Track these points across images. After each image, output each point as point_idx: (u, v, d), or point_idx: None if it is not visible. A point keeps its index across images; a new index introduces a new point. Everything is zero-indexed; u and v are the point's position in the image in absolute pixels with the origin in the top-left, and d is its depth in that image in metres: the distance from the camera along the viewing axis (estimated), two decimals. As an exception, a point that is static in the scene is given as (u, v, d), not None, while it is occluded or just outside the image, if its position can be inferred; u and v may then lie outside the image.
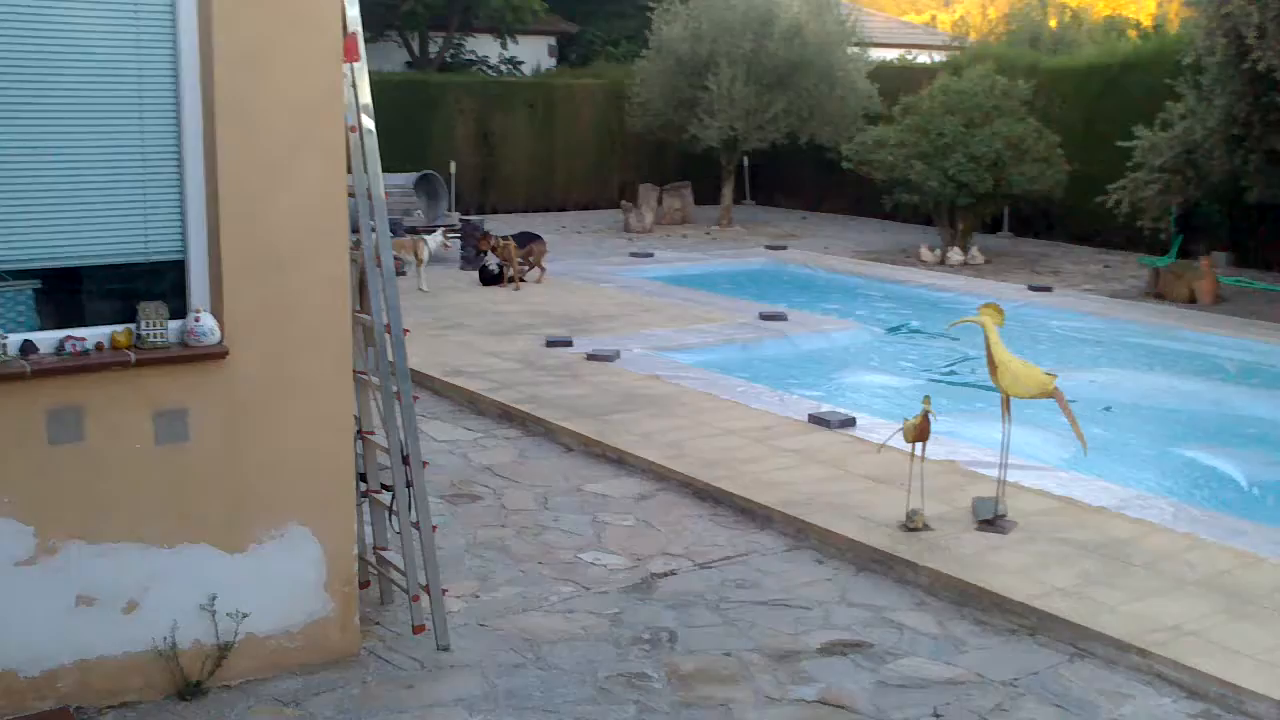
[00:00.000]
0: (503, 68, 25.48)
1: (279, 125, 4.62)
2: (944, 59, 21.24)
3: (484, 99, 22.06)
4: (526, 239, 14.61)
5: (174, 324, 4.62)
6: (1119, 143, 15.05)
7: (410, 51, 24.32)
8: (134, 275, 4.67)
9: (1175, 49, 16.17)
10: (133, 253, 4.62)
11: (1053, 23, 24.53)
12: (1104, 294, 14.53)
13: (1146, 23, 22.02)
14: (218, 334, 4.63)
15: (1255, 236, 16.01)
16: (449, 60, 24.66)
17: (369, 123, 4.87)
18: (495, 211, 21.09)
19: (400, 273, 13.90)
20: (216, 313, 4.65)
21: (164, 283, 4.68)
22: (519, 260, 14.13)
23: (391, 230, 14.41)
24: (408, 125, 20.36)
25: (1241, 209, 15.29)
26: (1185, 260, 14.76)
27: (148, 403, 4.56)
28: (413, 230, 14.90)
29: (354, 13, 4.81)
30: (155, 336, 4.57)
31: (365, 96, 4.88)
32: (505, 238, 14.33)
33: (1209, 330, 12.51)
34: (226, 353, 4.64)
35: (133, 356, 4.49)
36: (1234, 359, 11.77)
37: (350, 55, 4.76)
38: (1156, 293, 14.39)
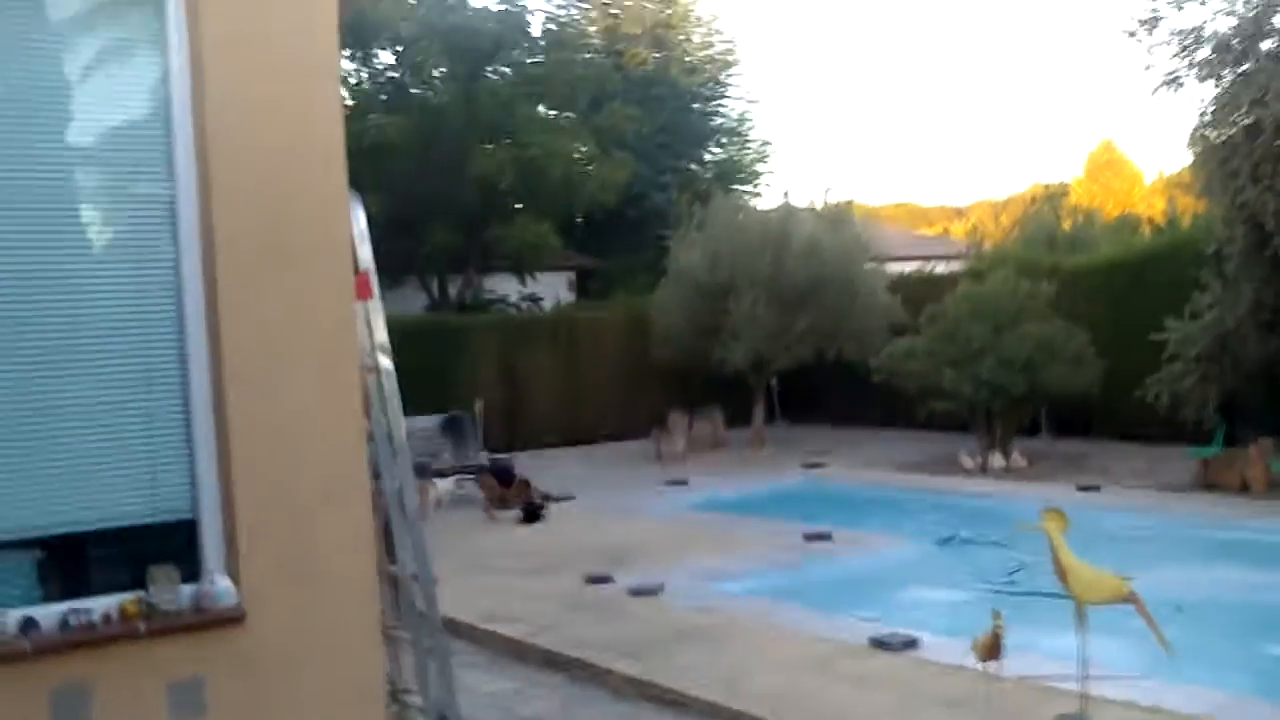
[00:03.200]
0: (523, 305, 25.80)
1: (291, 370, 4.42)
2: (963, 267, 21.33)
3: (506, 336, 22.21)
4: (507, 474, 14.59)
5: (187, 588, 4.32)
6: (1151, 335, 14.84)
7: (430, 295, 24.69)
8: (143, 537, 4.40)
9: (1193, 240, 16.19)
10: (140, 514, 4.36)
11: (1066, 224, 24.84)
12: (1154, 488, 14.07)
13: (1159, 218, 22.24)
14: (234, 596, 4.32)
15: (1300, 419, 15.61)
16: (469, 301, 25.01)
17: (386, 362, 4.69)
18: (525, 448, 20.89)
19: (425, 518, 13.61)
20: (232, 573, 4.36)
21: (175, 544, 4.40)
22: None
23: (416, 473, 14.27)
24: (430, 367, 20.41)
25: (1282, 392, 14.94)
26: (1233, 449, 14.35)
27: (160, 675, 4.23)
28: (439, 473, 14.67)
29: (366, 252, 4.68)
30: (167, 603, 4.27)
31: (381, 335, 4.71)
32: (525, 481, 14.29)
33: (1270, 518, 12.01)
34: (244, 616, 4.33)
35: (142, 627, 4.18)
36: (1302, 547, 11.23)
37: (363, 294, 4.61)
38: (1207, 483, 13.93)
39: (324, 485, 4.49)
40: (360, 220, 4.76)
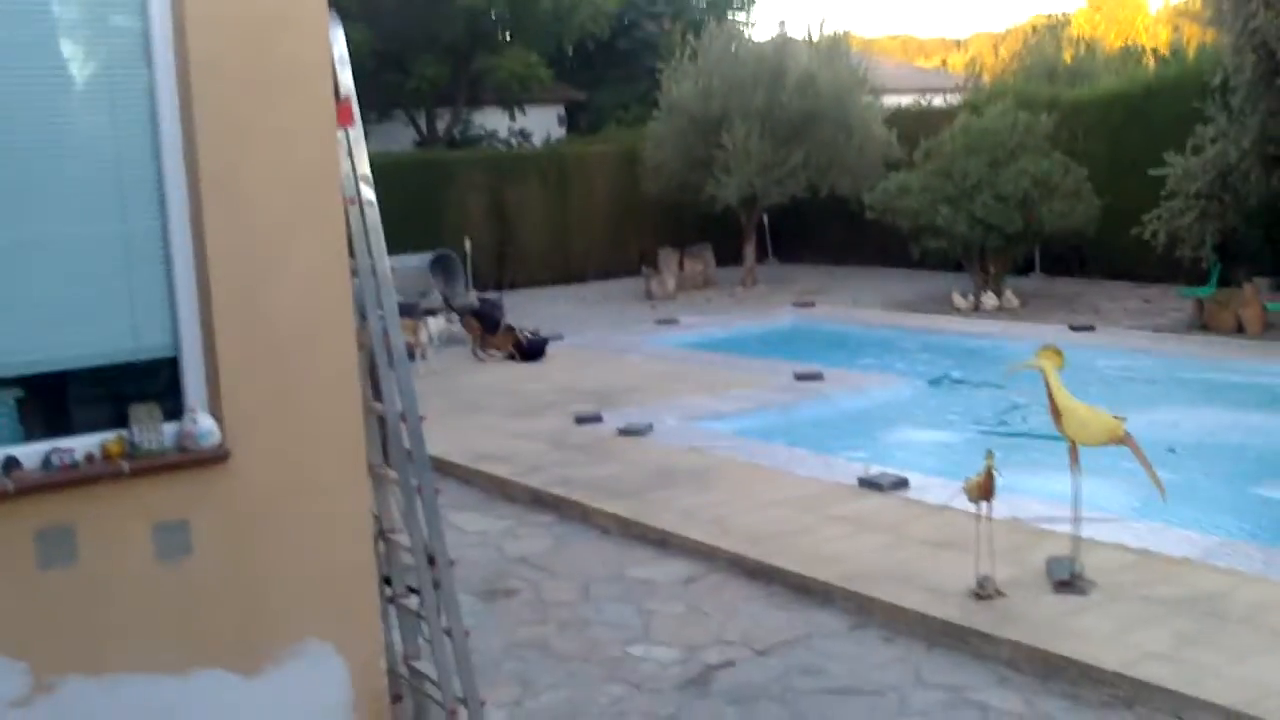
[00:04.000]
0: (512, 140, 25.30)
1: (271, 202, 4.23)
2: (960, 101, 20.85)
3: (495, 173, 21.84)
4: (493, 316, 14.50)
5: (169, 427, 4.20)
6: (1150, 171, 14.60)
7: (418, 130, 24.17)
8: (124, 376, 4.26)
9: (1198, 72, 15.78)
10: (121, 351, 4.21)
11: (1067, 56, 24.20)
12: (1148, 329, 14.03)
13: (1163, 49, 21.65)
14: (217, 435, 4.20)
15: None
16: (458, 137, 24.50)
17: (369, 194, 4.48)
18: (514, 286, 20.76)
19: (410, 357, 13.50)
20: (215, 412, 4.24)
21: (157, 383, 4.26)
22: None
23: (405, 312, 14.15)
24: (420, 204, 20.13)
25: (1281, 231, 14.78)
26: (1228, 289, 14.24)
27: (145, 515, 4.13)
28: (429, 312, 14.53)
29: (346, 77, 4.44)
30: (150, 442, 4.15)
31: (364, 166, 4.49)
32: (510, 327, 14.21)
33: (1265, 359, 11.98)
34: (228, 455, 4.22)
35: (126, 467, 4.07)
36: (1295, 388, 11.24)
37: (344, 121, 4.38)
38: (1202, 324, 13.88)
39: (307, 321, 4.34)
40: (341, 44, 4.50)
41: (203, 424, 4.19)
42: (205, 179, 4.14)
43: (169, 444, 4.18)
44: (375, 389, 4.70)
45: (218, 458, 4.21)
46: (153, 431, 4.15)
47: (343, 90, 4.42)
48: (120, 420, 4.17)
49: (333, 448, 4.43)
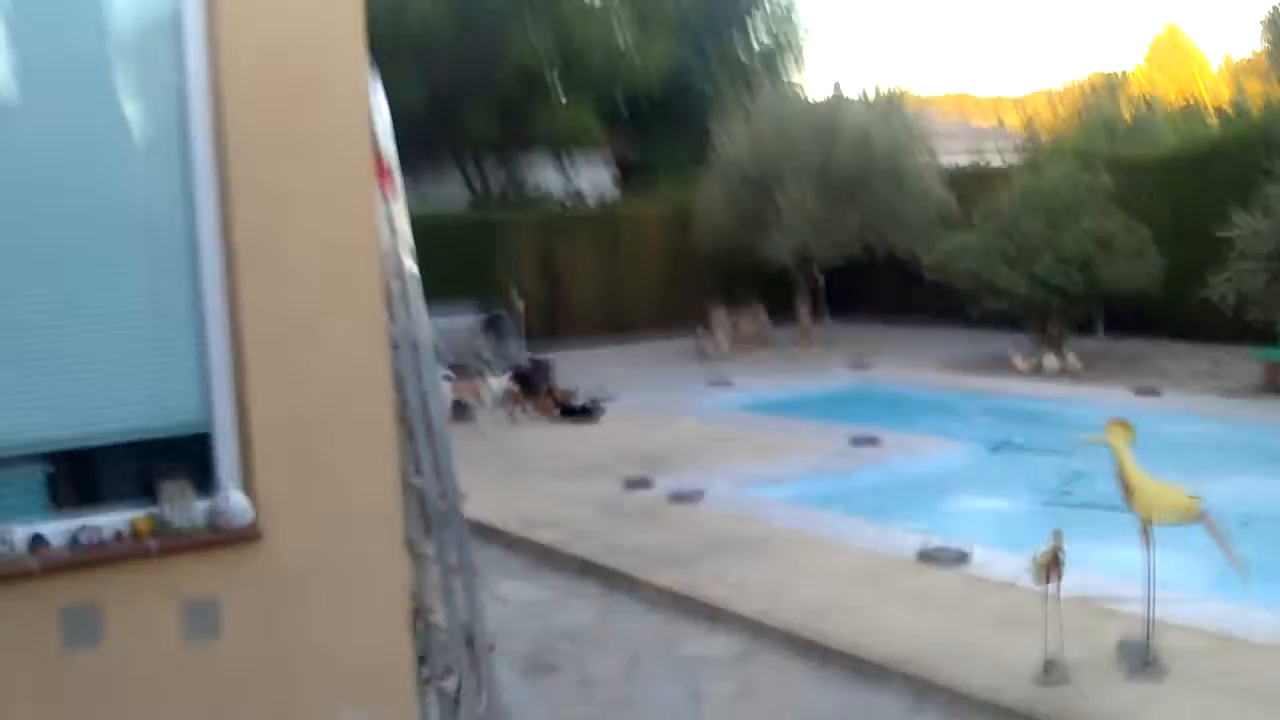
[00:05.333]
0: (566, 202, 25.34)
1: (308, 271, 4.10)
2: (1018, 160, 20.57)
3: (548, 232, 21.83)
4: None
5: (200, 504, 4.07)
6: (1218, 232, 14.25)
7: (471, 188, 24.26)
8: (155, 450, 4.14)
9: (1264, 128, 15.45)
10: (150, 427, 4.09)
11: (1126, 114, 23.88)
12: (1217, 393, 13.60)
13: (1226, 106, 21.30)
14: (250, 513, 4.07)
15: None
16: (511, 197, 24.57)
17: (410, 264, 4.35)
18: (565, 346, 20.64)
19: (470, 418, 13.41)
20: (248, 489, 4.10)
21: (189, 457, 4.14)
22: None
23: (460, 373, 14.00)
24: (473, 263, 20.13)
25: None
26: (1300, 350, 13.83)
27: (174, 595, 4.00)
28: (480, 373, 14.45)
29: (388, 145, 4.32)
30: (180, 520, 4.02)
31: (406, 235, 4.36)
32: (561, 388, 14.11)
33: (1341, 426, 11.57)
34: (260, 534, 4.07)
35: (154, 545, 3.94)
36: (1373, 455, 10.81)
37: (385, 188, 4.26)
38: (1275, 387, 13.44)
39: (344, 394, 4.21)
40: (383, 111, 4.40)
41: (235, 501, 4.06)
42: (240, 247, 4.04)
43: (200, 522, 4.05)
44: (416, 463, 4.54)
45: (250, 536, 4.07)
46: (184, 509, 4.03)
47: (385, 158, 4.30)
48: (150, 493, 4.05)
49: (369, 525, 4.28)
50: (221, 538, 4.05)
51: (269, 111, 4.08)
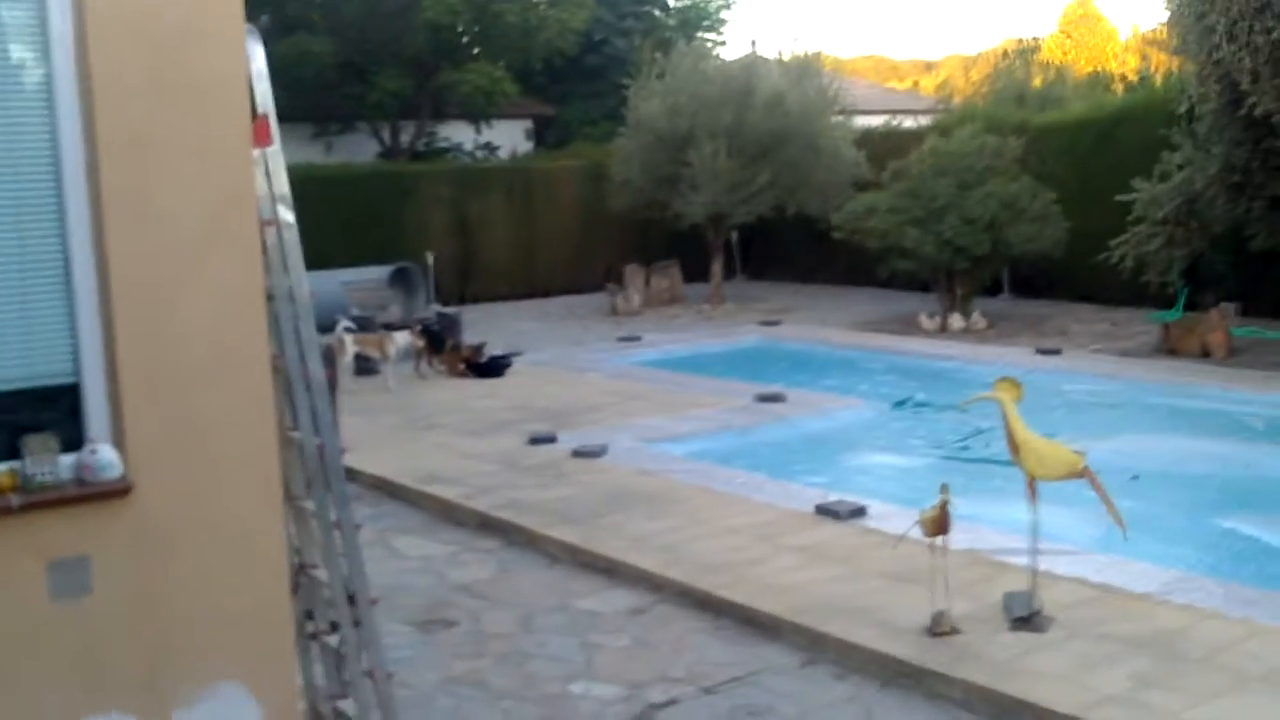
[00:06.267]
0: (477, 153, 25.03)
1: (181, 221, 3.98)
2: (930, 123, 20.74)
3: (459, 186, 21.55)
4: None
5: (67, 458, 3.94)
6: (1117, 197, 14.54)
7: (381, 142, 23.85)
8: (21, 405, 4.00)
9: (1165, 99, 15.78)
10: (15, 377, 3.95)
11: (1037, 81, 24.16)
12: (1114, 353, 13.89)
13: (1132, 76, 21.64)
14: (119, 467, 3.94)
15: (1262, 285, 15.41)
16: (422, 149, 24.20)
17: (288, 215, 4.24)
18: (477, 301, 20.49)
19: (374, 370, 13.25)
20: (118, 442, 3.98)
21: (55, 411, 4.00)
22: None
23: (363, 326, 13.82)
24: (382, 216, 19.86)
25: (1246, 257, 14.71)
26: (1194, 313, 14.16)
27: (38, 552, 3.86)
28: (388, 326, 14.25)
29: (265, 93, 4.19)
30: (44, 475, 3.89)
31: (283, 186, 4.25)
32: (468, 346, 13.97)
33: (1230, 386, 11.86)
34: (130, 488, 3.96)
35: (15, 501, 3.81)
36: (1260, 415, 11.10)
37: (261, 139, 4.14)
38: (1168, 349, 13.76)
39: (219, 346, 4.09)
40: (259, 60, 4.26)
41: (103, 455, 3.93)
42: (109, 196, 3.90)
43: (66, 476, 3.92)
44: (295, 417, 4.45)
45: (120, 491, 3.95)
46: (48, 463, 3.89)
47: (260, 107, 4.18)
48: (13, 451, 3.91)
49: (246, 479, 4.18)
50: (89, 492, 3.92)
51: (139, 58, 3.93)
